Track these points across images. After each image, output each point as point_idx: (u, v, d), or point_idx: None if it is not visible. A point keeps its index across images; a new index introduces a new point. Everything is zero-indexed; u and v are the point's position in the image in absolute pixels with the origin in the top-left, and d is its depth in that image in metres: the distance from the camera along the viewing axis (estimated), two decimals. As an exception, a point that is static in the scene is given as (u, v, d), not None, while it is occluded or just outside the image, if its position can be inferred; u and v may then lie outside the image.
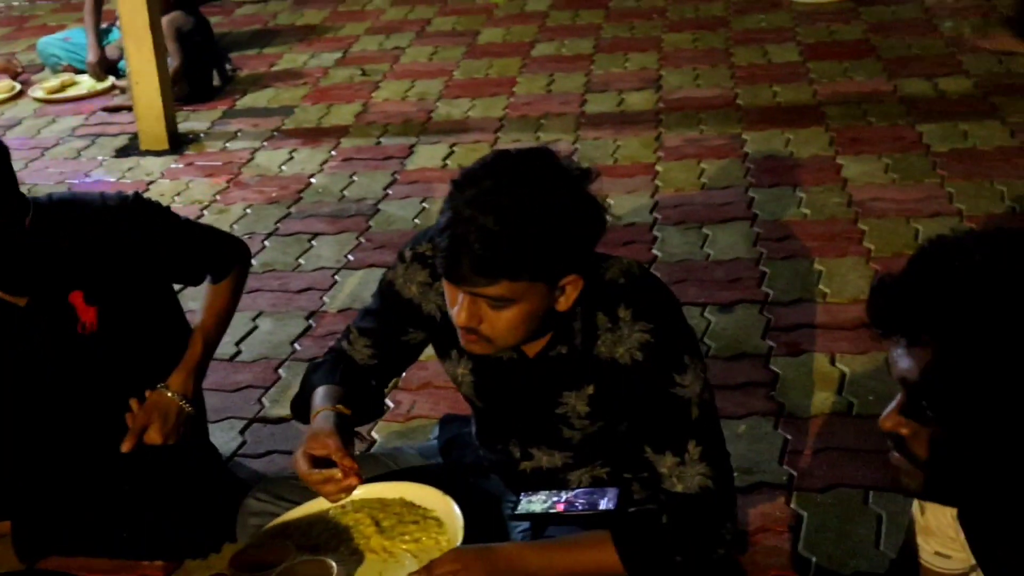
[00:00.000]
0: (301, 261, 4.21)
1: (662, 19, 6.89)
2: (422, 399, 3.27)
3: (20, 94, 6.38)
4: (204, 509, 2.62)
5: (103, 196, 2.56)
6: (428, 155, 5.12)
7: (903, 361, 1.41)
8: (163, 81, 5.30)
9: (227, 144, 5.45)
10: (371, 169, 5.01)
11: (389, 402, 3.25)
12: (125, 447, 2.50)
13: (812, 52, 6.07)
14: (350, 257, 4.21)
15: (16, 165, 2.40)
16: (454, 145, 5.20)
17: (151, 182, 5.06)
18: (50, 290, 2.47)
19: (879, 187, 4.40)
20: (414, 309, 2.17)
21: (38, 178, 5.15)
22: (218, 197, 4.85)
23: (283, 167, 5.13)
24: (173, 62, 5.70)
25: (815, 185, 4.46)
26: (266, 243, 4.37)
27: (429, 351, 2.28)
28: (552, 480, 2.17)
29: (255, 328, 3.75)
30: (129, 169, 5.22)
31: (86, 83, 6.34)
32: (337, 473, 2.03)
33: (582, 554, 2.00)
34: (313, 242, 4.36)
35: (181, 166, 5.23)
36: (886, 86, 5.48)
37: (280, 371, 3.50)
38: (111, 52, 6.37)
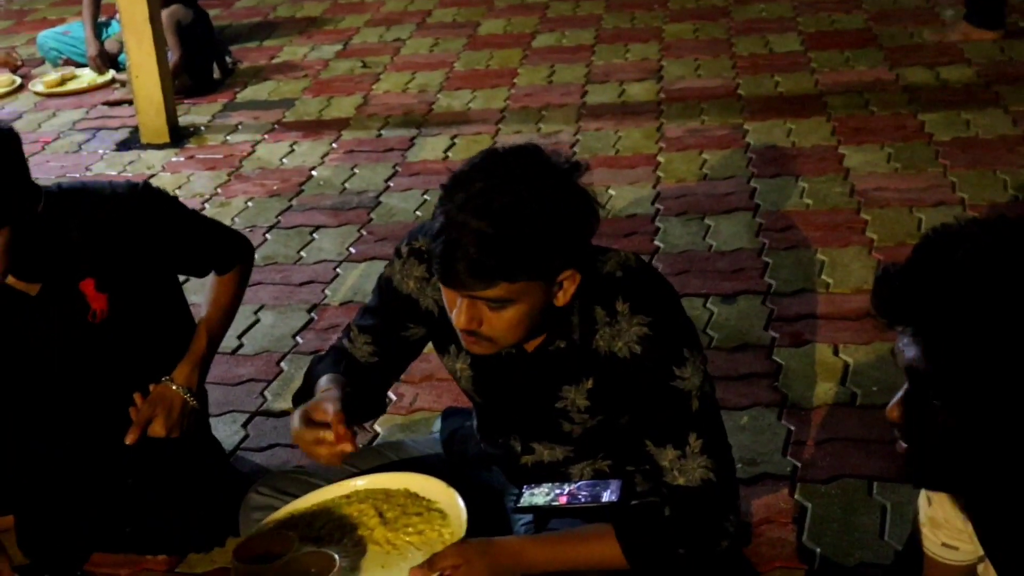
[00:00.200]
0: (303, 254, 4.21)
1: (663, 9, 6.88)
2: (424, 392, 3.26)
3: (20, 88, 6.37)
4: (207, 503, 2.62)
5: (112, 184, 2.58)
6: (429, 147, 5.12)
7: (909, 350, 1.41)
8: (163, 74, 5.30)
9: (228, 137, 5.44)
10: (372, 161, 5.00)
11: (392, 395, 3.25)
12: (129, 439, 2.50)
13: (814, 41, 6.06)
14: (352, 250, 4.20)
15: (19, 159, 2.40)
16: (455, 137, 5.20)
17: (152, 175, 5.05)
18: (62, 277, 2.48)
19: (881, 176, 4.39)
20: (412, 304, 2.17)
21: (39, 172, 5.12)
22: (219, 190, 4.84)
23: (284, 160, 5.12)
24: (172, 55, 5.69)
25: (817, 175, 4.45)
26: (267, 236, 4.37)
27: (430, 344, 2.27)
28: (553, 474, 2.17)
29: (257, 321, 3.75)
30: (130, 163, 5.22)
31: (86, 77, 6.33)
32: (329, 435, 1.97)
33: (585, 547, 1.99)
34: (314, 235, 4.35)
35: (182, 159, 5.23)
36: (888, 75, 5.47)
37: (282, 364, 3.50)
38: (111, 46, 6.36)
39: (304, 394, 2.26)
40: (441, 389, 3.25)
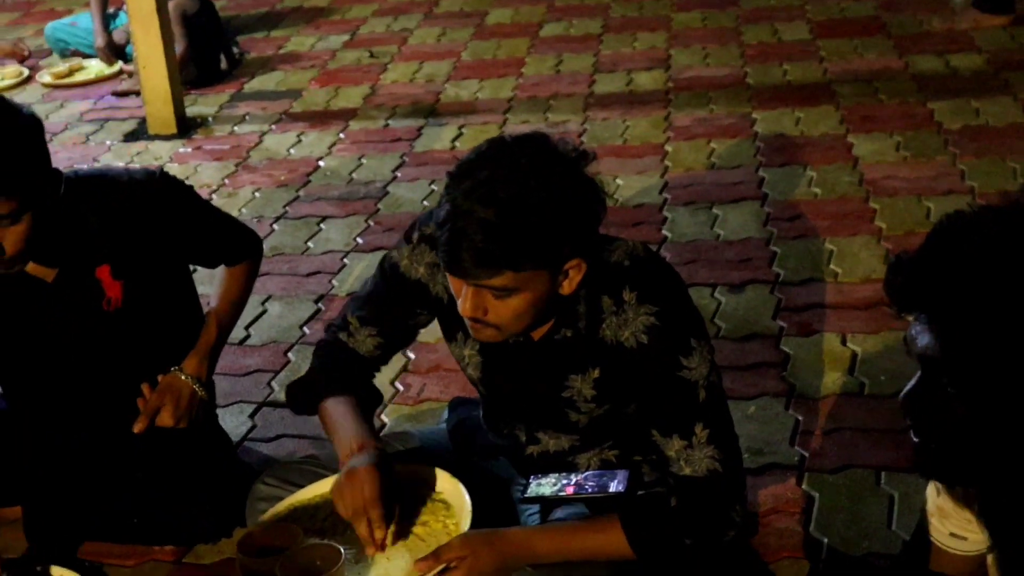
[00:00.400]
0: (310, 244, 4.20)
1: (671, -2, 6.86)
2: (432, 382, 3.26)
3: (28, 79, 6.37)
4: (214, 494, 2.62)
5: (130, 171, 2.59)
6: (437, 137, 5.11)
7: (923, 337, 1.39)
8: (171, 65, 5.29)
9: (235, 128, 5.44)
10: (380, 152, 5.00)
11: (399, 385, 3.25)
12: (137, 428, 2.51)
13: (822, 30, 6.03)
14: (359, 240, 4.20)
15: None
16: (463, 127, 5.18)
17: (160, 167, 5.04)
18: (78, 264, 2.48)
19: (890, 165, 4.37)
20: (422, 290, 2.16)
21: (47, 163, 5.13)
22: (227, 181, 4.84)
23: (291, 150, 5.12)
24: (179, 46, 5.67)
25: (826, 164, 4.43)
26: (275, 227, 4.36)
27: (438, 334, 2.27)
28: (560, 463, 2.16)
29: (264, 312, 3.75)
30: (138, 153, 5.22)
31: (94, 68, 6.33)
32: (366, 531, 1.97)
33: (591, 538, 1.99)
34: (322, 225, 4.35)
35: (189, 150, 5.22)
36: (897, 63, 5.44)
37: (289, 355, 3.49)
38: (119, 36, 6.35)
39: (305, 394, 2.23)
40: (448, 380, 3.24)
